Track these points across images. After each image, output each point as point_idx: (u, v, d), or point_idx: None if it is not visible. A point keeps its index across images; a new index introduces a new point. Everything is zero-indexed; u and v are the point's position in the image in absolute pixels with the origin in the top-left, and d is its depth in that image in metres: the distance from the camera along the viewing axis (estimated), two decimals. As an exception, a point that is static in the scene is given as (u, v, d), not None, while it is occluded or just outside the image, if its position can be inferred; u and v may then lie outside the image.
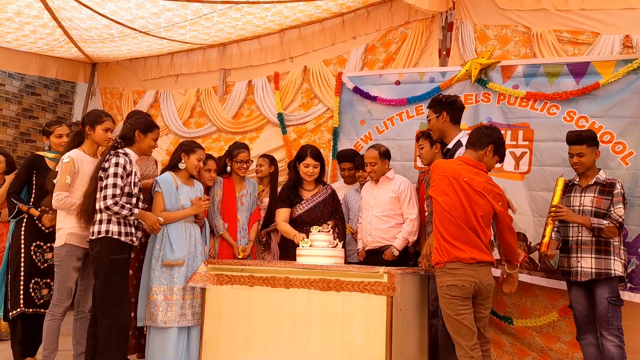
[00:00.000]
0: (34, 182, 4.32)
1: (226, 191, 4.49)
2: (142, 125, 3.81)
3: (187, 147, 4.18)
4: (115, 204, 3.54)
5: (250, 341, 3.63)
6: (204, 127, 6.53)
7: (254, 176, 5.10)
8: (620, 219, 3.66)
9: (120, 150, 3.67)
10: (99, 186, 3.62)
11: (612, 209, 3.69)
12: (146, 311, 3.91)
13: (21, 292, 4.16)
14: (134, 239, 3.70)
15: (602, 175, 3.81)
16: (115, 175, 3.57)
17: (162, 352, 3.84)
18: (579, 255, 3.72)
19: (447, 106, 3.79)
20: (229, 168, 4.54)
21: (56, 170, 3.92)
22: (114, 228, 3.58)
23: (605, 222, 3.63)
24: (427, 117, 3.98)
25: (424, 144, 4.21)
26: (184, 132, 6.59)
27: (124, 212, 3.57)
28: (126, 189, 3.64)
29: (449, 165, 3.32)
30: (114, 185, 3.55)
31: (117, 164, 3.59)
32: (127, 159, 3.65)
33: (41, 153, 4.43)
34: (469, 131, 3.70)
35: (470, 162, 3.35)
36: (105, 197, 3.55)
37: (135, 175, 3.71)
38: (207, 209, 4.18)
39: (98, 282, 3.61)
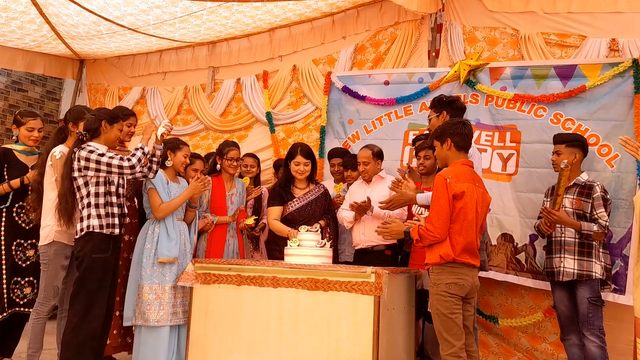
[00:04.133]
0: (6, 177, 4.11)
1: (216, 190, 4.47)
2: (108, 116, 3.72)
3: (173, 144, 4.17)
4: (130, 164, 3.51)
5: (237, 341, 3.62)
6: (191, 124, 6.50)
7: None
8: (606, 223, 3.71)
9: (84, 146, 3.57)
10: (75, 185, 3.57)
11: (595, 212, 3.74)
12: (136, 310, 3.88)
13: (5, 295, 4.03)
14: (116, 230, 3.61)
15: (582, 177, 3.87)
16: (101, 155, 3.51)
17: (154, 351, 3.82)
18: (562, 255, 3.77)
19: (447, 105, 3.83)
20: (218, 166, 4.52)
21: (34, 168, 3.92)
22: (94, 222, 3.52)
23: (595, 227, 3.68)
24: (428, 117, 4.02)
25: (430, 155, 4.13)
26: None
27: (138, 155, 3.56)
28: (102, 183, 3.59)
29: (469, 172, 3.30)
30: (110, 159, 3.50)
31: (90, 152, 3.51)
32: (94, 148, 3.57)
33: (9, 146, 4.25)
34: None
35: (472, 165, 3.39)
36: (121, 167, 3.50)
37: None
38: (204, 190, 4.14)
39: (76, 279, 3.57)
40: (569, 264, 3.74)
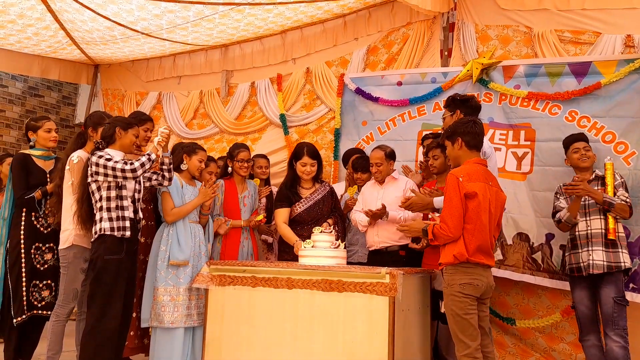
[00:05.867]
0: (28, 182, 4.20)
1: (228, 193, 4.50)
2: (122, 122, 3.80)
3: (189, 148, 4.21)
4: (132, 168, 3.55)
5: (252, 342, 3.64)
6: (207, 128, 6.54)
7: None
8: (628, 200, 3.71)
9: (96, 152, 3.65)
10: (90, 190, 3.64)
11: (616, 195, 3.74)
12: (152, 312, 3.92)
13: (24, 297, 4.09)
14: (127, 233, 3.64)
15: (599, 172, 3.90)
16: (108, 160, 3.56)
17: (169, 353, 3.86)
18: (590, 248, 3.72)
19: (461, 104, 3.81)
20: (230, 169, 4.55)
21: (52, 173, 4.03)
22: (105, 225, 3.58)
23: (617, 199, 3.67)
24: (442, 116, 4.00)
25: (438, 154, 4.10)
26: (186, 133, 6.60)
27: (142, 160, 3.61)
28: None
29: (481, 171, 3.29)
30: (115, 163, 3.55)
31: (99, 157, 3.58)
32: (105, 154, 3.63)
33: (27, 152, 4.32)
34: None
35: (485, 164, 3.37)
36: (123, 171, 3.55)
37: None
38: (213, 197, 4.17)
39: (91, 281, 3.61)
40: (598, 257, 3.68)
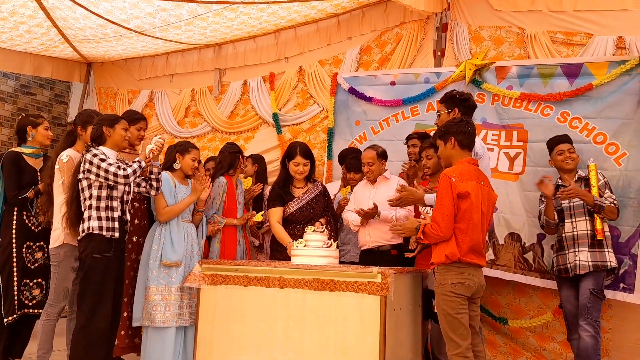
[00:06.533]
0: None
1: (229, 191, 4.48)
2: (107, 120, 3.77)
3: (182, 147, 4.19)
4: (125, 174, 3.54)
5: (244, 341, 3.63)
6: (199, 126, 6.53)
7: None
8: (615, 202, 3.75)
9: (91, 149, 3.63)
10: (80, 187, 3.62)
11: (602, 196, 3.77)
12: (143, 311, 3.91)
13: (15, 297, 4.08)
14: (116, 234, 3.62)
15: (582, 173, 3.94)
16: (102, 160, 3.54)
17: (160, 352, 3.85)
18: (577, 249, 3.77)
19: (460, 103, 3.78)
20: (243, 165, 4.51)
21: (42, 171, 4.04)
22: (94, 224, 3.55)
23: (606, 201, 3.71)
24: (437, 112, 3.98)
25: (432, 154, 4.08)
26: (178, 131, 6.59)
27: (134, 167, 3.59)
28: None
29: (474, 171, 3.30)
30: (108, 165, 3.53)
31: (94, 155, 3.56)
32: (100, 153, 3.61)
33: (18, 150, 4.30)
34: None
35: (477, 164, 3.38)
36: (116, 175, 3.53)
37: None
38: (207, 192, 4.14)
39: (80, 280, 3.60)
40: (584, 257, 3.73)
